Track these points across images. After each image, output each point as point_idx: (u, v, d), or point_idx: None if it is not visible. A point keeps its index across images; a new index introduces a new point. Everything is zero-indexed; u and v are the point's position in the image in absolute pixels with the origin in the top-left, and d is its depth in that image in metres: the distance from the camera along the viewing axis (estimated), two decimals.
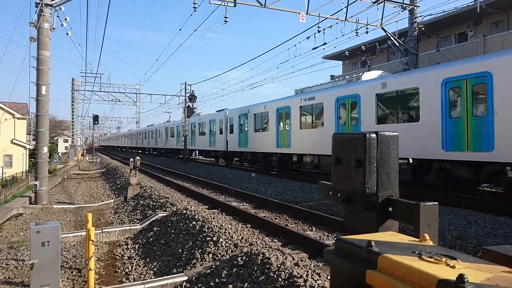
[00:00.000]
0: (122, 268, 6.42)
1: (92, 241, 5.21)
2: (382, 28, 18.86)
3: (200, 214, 8.07)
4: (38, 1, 11.81)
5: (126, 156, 39.58)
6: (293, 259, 4.99)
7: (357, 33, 18.89)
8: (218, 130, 28.15)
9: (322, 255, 5.39)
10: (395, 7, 18.65)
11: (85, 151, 61.36)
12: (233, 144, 25.60)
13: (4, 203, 13.07)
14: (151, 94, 47.48)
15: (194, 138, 34.05)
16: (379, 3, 17.96)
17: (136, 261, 6.71)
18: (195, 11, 16.42)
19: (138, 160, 12.90)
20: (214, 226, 6.94)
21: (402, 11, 18.86)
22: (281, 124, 19.84)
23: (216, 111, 30.28)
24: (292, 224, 8.66)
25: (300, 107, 18.16)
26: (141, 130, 59.75)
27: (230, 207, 10.28)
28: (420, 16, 19.15)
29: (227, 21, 16.68)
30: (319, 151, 16.64)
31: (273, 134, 20.32)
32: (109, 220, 10.56)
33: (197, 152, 38.57)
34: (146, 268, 6.31)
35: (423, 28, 19.43)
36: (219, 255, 5.83)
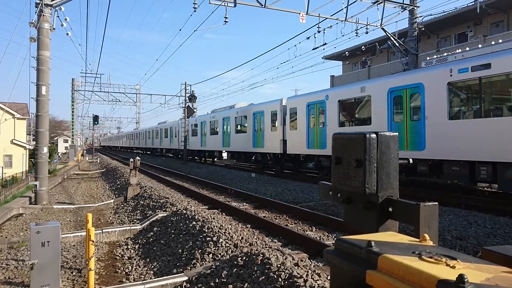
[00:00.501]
0: (122, 268, 6.42)
1: (92, 241, 5.21)
2: (382, 29, 18.87)
3: (200, 214, 8.07)
4: (38, 1, 11.81)
5: (127, 156, 39.54)
6: (293, 259, 4.99)
7: (357, 33, 18.91)
8: (269, 126, 21.74)
9: (322, 255, 5.40)
10: (395, 7, 18.66)
11: (85, 151, 61.37)
12: (297, 145, 18.90)
13: (4, 203, 13.07)
14: (151, 94, 47.57)
15: (227, 137, 27.56)
16: (379, 4, 17.97)
17: (136, 261, 6.71)
18: (195, 11, 16.44)
19: (138, 160, 12.93)
20: (214, 226, 6.94)
21: (402, 12, 18.88)
22: (403, 112, 12.99)
23: (262, 102, 23.52)
24: (292, 224, 8.66)
25: (449, 83, 11.33)
26: (151, 128, 52.21)
27: (230, 207, 10.28)
28: (420, 16, 19.17)
29: (227, 21, 16.70)
30: (494, 156, 9.96)
31: (383, 129, 13.29)
32: (109, 220, 10.56)
33: (205, 154, 32.54)
34: (146, 268, 6.32)
35: (423, 28, 19.44)
36: (219, 255, 5.83)
